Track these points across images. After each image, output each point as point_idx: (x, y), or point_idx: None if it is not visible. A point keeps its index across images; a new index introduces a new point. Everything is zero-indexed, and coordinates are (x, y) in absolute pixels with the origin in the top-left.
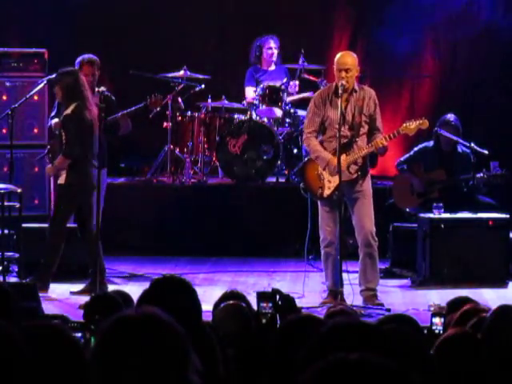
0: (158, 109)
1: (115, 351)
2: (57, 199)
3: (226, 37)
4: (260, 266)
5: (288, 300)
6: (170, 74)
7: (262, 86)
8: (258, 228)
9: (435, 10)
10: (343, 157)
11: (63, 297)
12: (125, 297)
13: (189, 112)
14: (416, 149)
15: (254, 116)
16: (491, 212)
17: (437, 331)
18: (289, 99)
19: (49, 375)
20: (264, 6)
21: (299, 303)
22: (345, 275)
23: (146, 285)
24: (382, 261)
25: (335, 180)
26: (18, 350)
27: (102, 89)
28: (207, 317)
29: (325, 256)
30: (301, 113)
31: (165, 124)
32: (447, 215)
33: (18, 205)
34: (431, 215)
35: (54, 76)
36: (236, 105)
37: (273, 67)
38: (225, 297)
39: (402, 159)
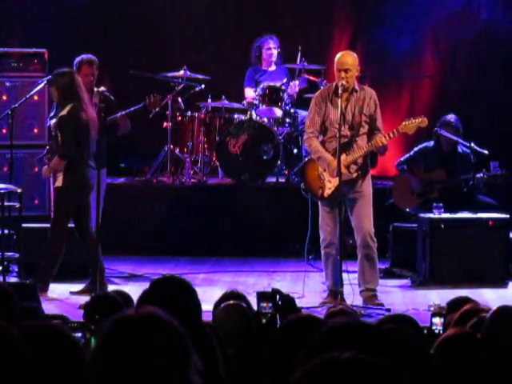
0: (158, 109)
1: (116, 351)
2: (56, 202)
3: (226, 37)
4: (260, 265)
5: (288, 300)
6: (170, 74)
7: (261, 86)
8: (258, 228)
9: (435, 10)
10: (343, 156)
11: (63, 297)
12: (125, 297)
13: (189, 112)
14: (416, 149)
15: (254, 116)
16: (491, 212)
17: (437, 331)
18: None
19: (49, 375)
20: (264, 6)
21: (299, 303)
22: (345, 275)
23: (145, 285)
24: (381, 261)
25: (335, 180)
26: (18, 350)
27: (102, 89)
28: (207, 317)
29: (325, 256)
30: (301, 113)
31: (165, 124)
32: (447, 215)
33: (18, 205)
34: (431, 215)
35: (50, 77)
36: (236, 105)
37: (273, 67)
38: (225, 297)
39: (402, 159)
